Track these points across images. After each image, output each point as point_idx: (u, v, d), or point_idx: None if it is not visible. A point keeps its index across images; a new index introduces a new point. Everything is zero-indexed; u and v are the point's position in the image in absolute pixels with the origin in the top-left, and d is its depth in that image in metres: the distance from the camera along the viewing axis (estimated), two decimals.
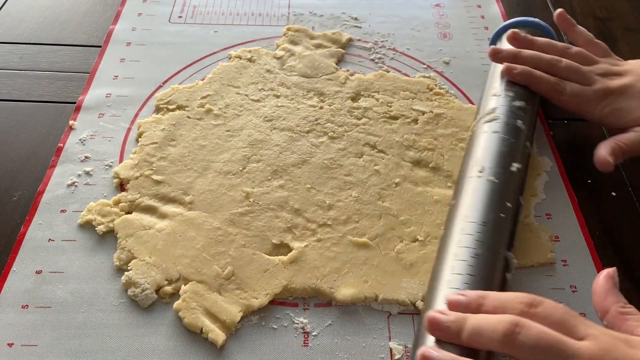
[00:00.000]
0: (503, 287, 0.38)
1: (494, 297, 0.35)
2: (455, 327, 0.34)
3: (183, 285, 0.43)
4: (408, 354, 0.41)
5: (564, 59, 0.53)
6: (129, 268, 0.44)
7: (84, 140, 0.54)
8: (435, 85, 0.61)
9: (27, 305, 0.42)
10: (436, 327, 0.34)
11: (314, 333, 0.42)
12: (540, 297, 0.34)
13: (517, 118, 0.49)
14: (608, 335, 0.32)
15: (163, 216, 0.48)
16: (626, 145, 0.49)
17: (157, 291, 0.43)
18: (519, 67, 0.52)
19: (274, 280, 0.44)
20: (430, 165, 0.53)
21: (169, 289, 0.43)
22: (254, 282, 0.44)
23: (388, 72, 0.62)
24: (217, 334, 0.41)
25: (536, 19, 0.59)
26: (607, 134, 0.58)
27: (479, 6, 0.73)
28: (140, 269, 0.44)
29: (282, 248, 0.46)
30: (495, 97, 0.51)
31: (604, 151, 0.48)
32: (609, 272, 0.37)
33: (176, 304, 0.42)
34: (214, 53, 0.65)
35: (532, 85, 0.52)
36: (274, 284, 0.44)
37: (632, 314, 0.34)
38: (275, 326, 0.42)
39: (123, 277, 0.44)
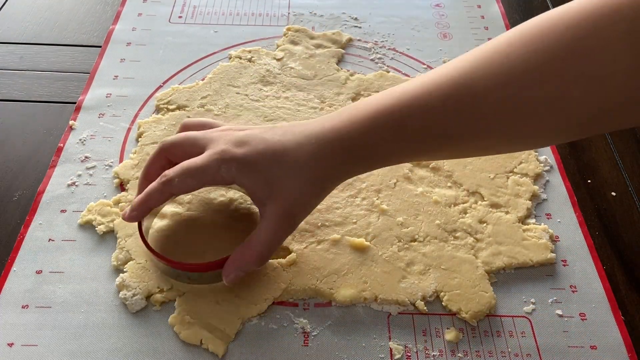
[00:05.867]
0: None
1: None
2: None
3: (178, 297, 0.43)
4: (408, 354, 0.41)
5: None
6: (125, 270, 0.44)
7: (84, 140, 0.54)
8: None
9: (27, 305, 0.42)
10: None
11: (314, 333, 0.42)
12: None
13: None
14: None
15: (162, 216, 0.48)
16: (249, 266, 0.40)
17: (147, 297, 0.43)
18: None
19: (273, 284, 0.44)
20: (430, 166, 0.53)
21: (159, 296, 0.43)
22: (252, 288, 0.43)
23: (388, 72, 0.62)
24: (217, 344, 0.40)
25: None
26: (609, 136, 0.58)
27: (479, 6, 0.73)
28: (135, 272, 0.44)
29: (281, 250, 0.46)
30: None
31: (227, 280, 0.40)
32: None
33: (171, 318, 0.42)
34: (214, 53, 0.65)
35: None
36: (272, 289, 0.43)
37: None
38: (275, 326, 0.42)
39: (117, 279, 0.43)
